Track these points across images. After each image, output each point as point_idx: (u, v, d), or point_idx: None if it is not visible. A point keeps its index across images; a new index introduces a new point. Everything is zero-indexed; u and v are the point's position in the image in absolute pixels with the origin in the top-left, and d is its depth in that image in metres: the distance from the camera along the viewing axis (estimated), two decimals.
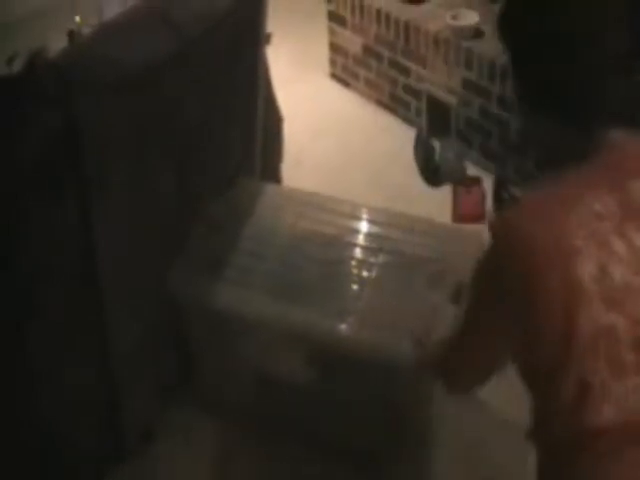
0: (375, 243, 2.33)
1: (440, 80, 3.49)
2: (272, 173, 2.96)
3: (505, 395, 2.06)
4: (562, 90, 1.22)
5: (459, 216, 3.18)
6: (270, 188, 2.63)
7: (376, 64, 3.81)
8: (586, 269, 1.16)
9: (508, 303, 1.24)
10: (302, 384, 2.29)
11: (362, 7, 3.76)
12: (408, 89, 3.69)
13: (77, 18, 3.01)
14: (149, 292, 2.23)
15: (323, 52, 4.09)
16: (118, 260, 2.09)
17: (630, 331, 1.17)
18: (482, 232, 2.45)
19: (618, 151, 1.23)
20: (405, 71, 3.66)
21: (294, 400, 2.33)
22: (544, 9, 1.23)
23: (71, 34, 2.92)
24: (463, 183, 3.26)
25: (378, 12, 3.68)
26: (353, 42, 3.89)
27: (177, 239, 2.32)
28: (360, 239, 2.36)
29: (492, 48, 3.25)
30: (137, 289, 2.20)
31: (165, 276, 2.27)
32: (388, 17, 3.63)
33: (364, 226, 2.40)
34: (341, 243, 2.35)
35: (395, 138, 3.66)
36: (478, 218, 3.18)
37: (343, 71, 4.03)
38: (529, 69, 1.26)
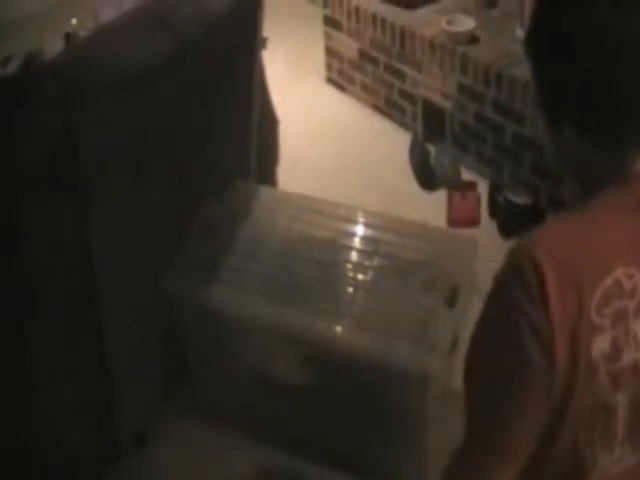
0: (370, 246, 2.34)
1: (435, 85, 3.51)
2: (268, 176, 2.97)
3: None
4: (585, 103, 1.13)
5: (454, 220, 3.19)
6: (266, 191, 2.64)
7: (372, 69, 3.82)
8: (600, 347, 1.12)
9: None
10: (299, 385, 2.29)
11: (358, 12, 3.77)
12: (404, 94, 3.70)
13: (73, 21, 3.01)
14: (148, 293, 2.24)
15: (319, 56, 4.10)
16: (117, 260, 2.09)
17: (629, 409, 1.16)
18: (477, 236, 2.47)
19: None
20: (401, 76, 3.67)
21: (291, 401, 2.33)
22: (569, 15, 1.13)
23: (67, 37, 2.92)
24: (458, 188, 3.28)
25: (374, 17, 3.69)
26: (349, 47, 3.90)
27: (176, 240, 2.33)
28: (355, 242, 2.37)
29: (487, 53, 3.28)
30: (136, 290, 2.20)
31: (163, 277, 2.28)
32: (384, 22, 3.64)
33: (359, 229, 2.41)
34: (336, 246, 2.35)
35: (390, 142, 3.67)
36: (473, 223, 3.19)
37: (339, 75, 4.04)
38: (552, 80, 1.17)
